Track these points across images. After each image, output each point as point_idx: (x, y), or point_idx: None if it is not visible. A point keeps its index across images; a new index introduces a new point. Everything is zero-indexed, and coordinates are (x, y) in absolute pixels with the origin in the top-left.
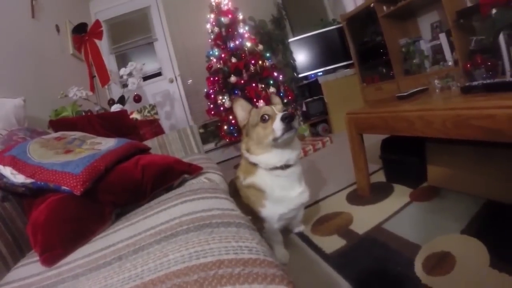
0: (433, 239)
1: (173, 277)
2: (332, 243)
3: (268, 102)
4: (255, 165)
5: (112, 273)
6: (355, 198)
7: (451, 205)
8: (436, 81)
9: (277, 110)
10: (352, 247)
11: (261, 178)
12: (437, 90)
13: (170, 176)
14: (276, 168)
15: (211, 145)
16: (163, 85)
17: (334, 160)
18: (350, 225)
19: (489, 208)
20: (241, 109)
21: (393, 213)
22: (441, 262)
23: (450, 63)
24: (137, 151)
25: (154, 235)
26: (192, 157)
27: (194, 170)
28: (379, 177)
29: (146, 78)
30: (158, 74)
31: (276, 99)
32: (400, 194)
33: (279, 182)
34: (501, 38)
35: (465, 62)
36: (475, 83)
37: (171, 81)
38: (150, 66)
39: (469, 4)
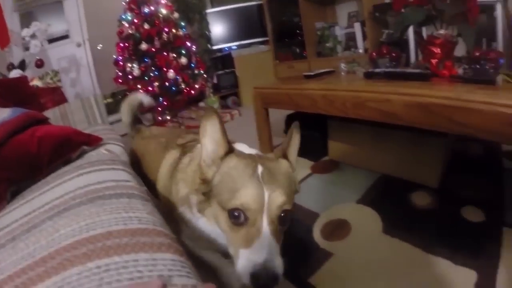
0: (331, 208)
1: (63, 252)
2: None
3: (179, 72)
4: None
5: (6, 255)
6: None
7: (349, 178)
8: (342, 65)
9: (270, 202)
10: None
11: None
12: (342, 73)
13: (68, 148)
14: None
15: (119, 116)
16: (70, 49)
17: (241, 133)
18: None
19: (383, 181)
20: (211, 141)
21: None
22: (337, 229)
23: (360, 51)
24: (34, 122)
25: (47, 211)
26: (94, 128)
27: (93, 141)
28: None
29: (51, 40)
30: (65, 37)
31: (294, 143)
32: (302, 166)
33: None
34: (410, 33)
35: (372, 51)
36: (377, 70)
37: (79, 45)
38: (57, 28)
39: (386, 0)
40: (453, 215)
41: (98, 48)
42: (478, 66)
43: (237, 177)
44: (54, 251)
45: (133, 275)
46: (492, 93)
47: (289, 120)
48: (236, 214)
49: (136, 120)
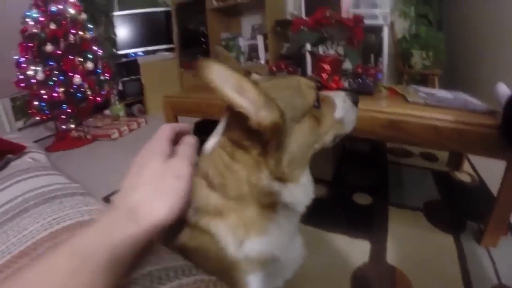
0: None
1: (42, 242)
2: None
3: (85, 77)
4: (273, 209)
5: None
6: None
7: None
8: None
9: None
10: None
11: (274, 237)
12: None
13: None
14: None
15: (19, 123)
16: None
17: (149, 140)
18: None
19: None
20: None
21: None
22: None
23: (262, 62)
24: None
25: (1, 215)
26: (8, 137)
27: (17, 150)
28: None
29: None
30: None
31: None
32: None
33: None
34: (307, 51)
35: (271, 64)
36: None
37: None
38: None
39: (288, 17)
40: (346, 201)
41: None
42: (360, 80)
43: (287, 81)
44: (32, 244)
45: None
46: (370, 102)
47: (198, 127)
48: (317, 99)
49: None
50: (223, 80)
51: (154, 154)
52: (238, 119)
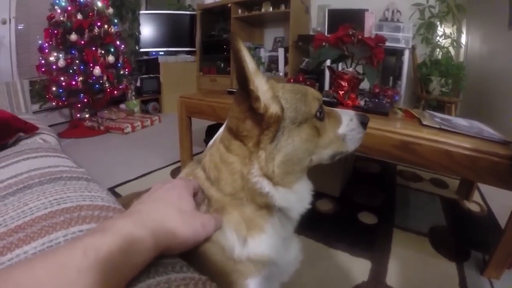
0: None
1: (40, 220)
2: None
3: (105, 70)
4: (269, 210)
5: None
6: (178, 174)
7: None
8: None
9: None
10: None
11: (271, 238)
12: None
13: (6, 132)
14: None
15: (35, 107)
16: None
17: (161, 138)
18: None
19: None
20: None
21: None
22: None
23: (281, 74)
24: None
25: (4, 189)
26: (23, 117)
27: (30, 129)
28: None
29: None
30: None
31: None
32: None
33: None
34: (326, 67)
35: (290, 77)
36: None
37: (4, 22)
38: None
39: (311, 33)
40: (351, 219)
41: (19, 27)
42: (377, 100)
43: (296, 87)
44: (30, 220)
45: None
46: (384, 122)
47: (210, 131)
48: (320, 111)
49: None
50: (248, 57)
51: (187, 193)
52: (243, 101)
